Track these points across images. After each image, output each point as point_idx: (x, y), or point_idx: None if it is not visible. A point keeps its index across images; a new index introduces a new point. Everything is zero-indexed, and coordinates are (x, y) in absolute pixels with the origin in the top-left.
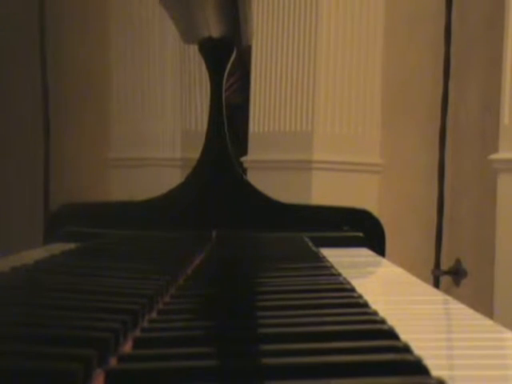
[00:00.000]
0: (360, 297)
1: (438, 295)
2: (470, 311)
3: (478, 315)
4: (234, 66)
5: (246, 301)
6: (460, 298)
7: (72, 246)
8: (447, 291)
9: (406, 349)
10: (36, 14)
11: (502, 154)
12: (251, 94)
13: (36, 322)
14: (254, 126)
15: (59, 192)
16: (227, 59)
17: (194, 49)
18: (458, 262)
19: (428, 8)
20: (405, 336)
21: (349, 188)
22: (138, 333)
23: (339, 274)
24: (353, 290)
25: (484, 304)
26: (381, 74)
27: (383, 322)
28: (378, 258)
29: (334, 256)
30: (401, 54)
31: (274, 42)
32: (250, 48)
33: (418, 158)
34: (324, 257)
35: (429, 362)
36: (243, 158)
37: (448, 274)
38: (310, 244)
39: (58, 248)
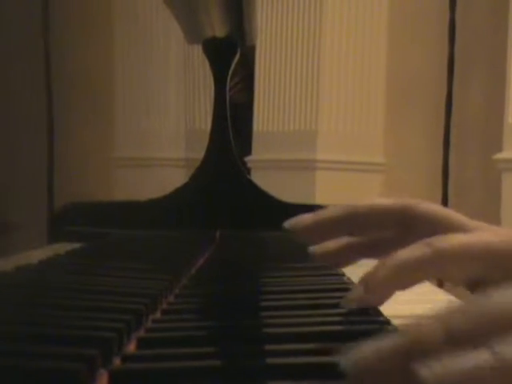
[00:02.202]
0: None
1: (441, 295)
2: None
3: None
4: (238, 66)
5: (249, 301)
6: (464, 298)
7: (76, 245)
8: (451, 291)
9: None
10: (40, 14)
11: (506, 154)
12: (255, 94)
13: (39, 322)
14: (258, 125)
15: (63, 191)
16: (231, 59)
17: (198, 49)
18: None
19: (432, 6)
20: None
21: (352, 187)
22: (141, 333)
23: (343, 274)
24: None
25: None
26: (385, 73)
27: (387, 322)
28: None
29: None
30: (405, 53)
31: (278, 41)
32: (254, 48)
33: (421, 158)
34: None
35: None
36: (247, 158)
37: None
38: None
39: (61, 247)
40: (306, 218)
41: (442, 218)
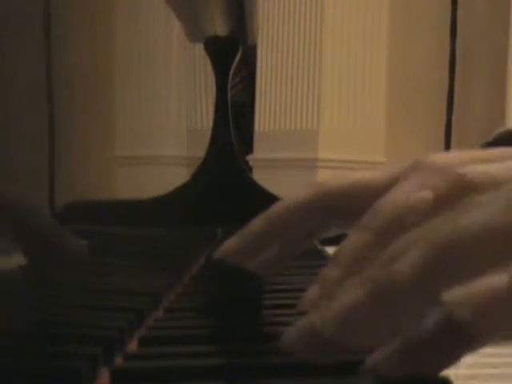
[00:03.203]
0: None
1: None
2: None
3: None
4: (239, 65)
5: (251, 299)
6: None
7: None
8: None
9: None
10: (41, 13)
11: None
12: (257, 93)
13: (41, 321)
14: (260, 124)
15: (65, 190)
16: (232, 58)
17: (199, 47)
18: None
19: (433, 6)
20: None
21: None
22: (143, 331)
23: None
24: None
25: None
26: (386, 72)
27: None
28: None
29: None
30: (406, 52)
31: (279, 40)
32: (255, 47)
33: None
34: (329, 255)
35: None
36: (249, 157)
37: None
38: (315, 242)
39: None
40: (230, 244)
41: (336, 186)
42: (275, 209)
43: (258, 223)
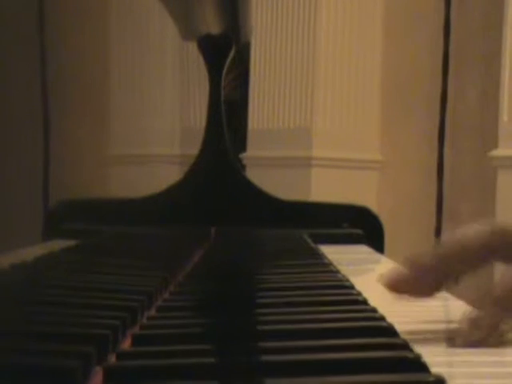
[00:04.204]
0: (359, 294)
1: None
2: (469, 308)
3: None
4: (232, 63)
5: (244, 298)
6: (459, 295)
7: (71, 242)
8: (446, 288)
9: (406, 346)
10: (35, 11)
11: (501, 151)
12: (250, 91)
13: (35, 319)
14: (253, 122)
15: (58, 189)
16: (226, 56)
17: (193, 46)
18: None
19: (427, 3)
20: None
21: (348, 185)
22: (137, 330)
23: (338, 271)
24: (352, 287)
25: None
26: (380, 70)
27: (382, 318)
28: (377, 255)
29: (333, 253)
30: (400, 50)
31: (272, 38)
32: (248, 45)
33: (417, 155)
34: (323, 254)
35: (428, 359)
36: (242, 155)
37: None
38: (309, 241)
39: (57, 245)
40: (399, 274)
41: None
42: (447, 245)
43: (427, 257)
